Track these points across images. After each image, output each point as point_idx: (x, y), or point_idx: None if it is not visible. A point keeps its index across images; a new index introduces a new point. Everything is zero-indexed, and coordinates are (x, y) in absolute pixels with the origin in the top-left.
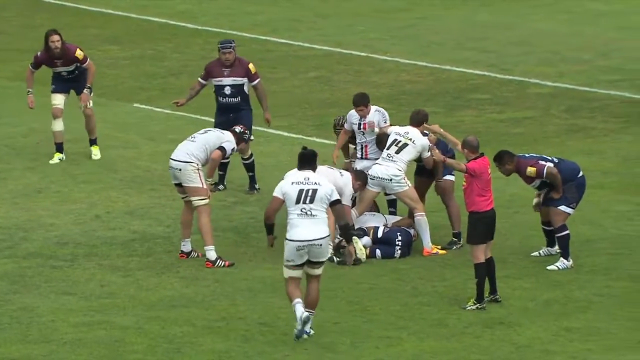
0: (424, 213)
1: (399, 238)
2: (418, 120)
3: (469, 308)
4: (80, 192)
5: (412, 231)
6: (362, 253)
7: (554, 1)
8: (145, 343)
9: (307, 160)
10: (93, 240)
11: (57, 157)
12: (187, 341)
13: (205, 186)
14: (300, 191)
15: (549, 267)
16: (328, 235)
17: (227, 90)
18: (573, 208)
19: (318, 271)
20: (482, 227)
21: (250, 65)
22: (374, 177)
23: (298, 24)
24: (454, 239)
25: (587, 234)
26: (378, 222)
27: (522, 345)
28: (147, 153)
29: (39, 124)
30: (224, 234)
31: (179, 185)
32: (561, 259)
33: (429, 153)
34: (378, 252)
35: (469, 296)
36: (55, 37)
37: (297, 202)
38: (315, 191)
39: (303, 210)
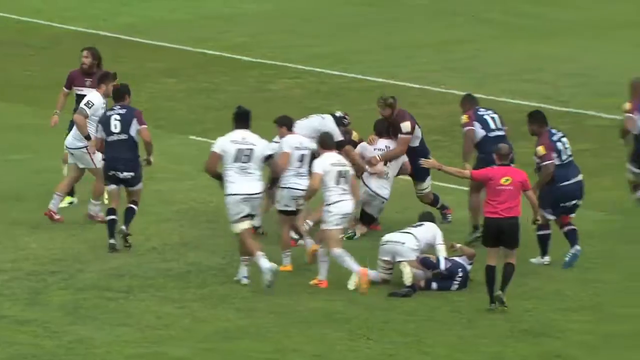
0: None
1: (460, 274)
2: (331, 144)
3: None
4: (136, 224)
5: (469, 266)
6: (408, 278)
7: (613, 33)
8: None
9: (243, 119)
10: (149, 272)
11: (66, 201)
12: None
13: None
14: (239, 150)
15: (531, 259)
16: (264, 191)
17: None
18: (549, 214)
19: (255, 222)
20: (487, 232)
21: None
22: (345, 214)
23: (353, 57)
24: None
25: None
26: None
27: None
28: (203, 185)
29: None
30: (279, 265)
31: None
32: (542, 255)
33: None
34: (434, 284)
35: (525, 328)
36: (85, 53)
37: (236, 160)
38: (251, 150)
39: (241, 168)
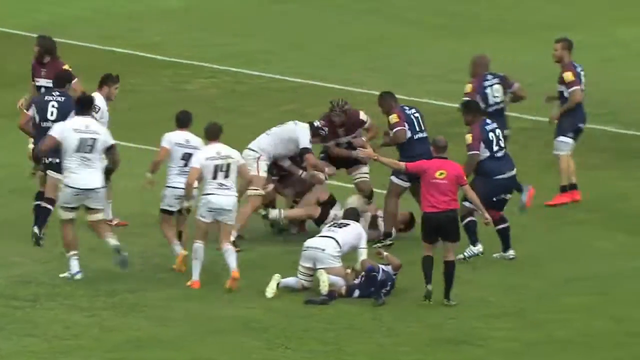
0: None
1: (388, 288)
2: (215, 133)
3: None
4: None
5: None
6: (324, 287)
7: (534, 34)
8: None
9: (86, 106)
10: (56, 280)
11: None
12: None
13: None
14: (82, 140)
15: (458, 256)
16: (105, 186)
17: None
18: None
19: (99, 216)
20: (426, 227)
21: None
22: (213, 209)
23: (271, 56)
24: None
25: (568, 273)
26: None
27: None
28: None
29: (7, 159)
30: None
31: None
32: (470, 247)
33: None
34: (356, 292)
35: (446, 336)
36: (35, 48)
37: (78, 150)
38: (95, 140)
39: (83, 158)
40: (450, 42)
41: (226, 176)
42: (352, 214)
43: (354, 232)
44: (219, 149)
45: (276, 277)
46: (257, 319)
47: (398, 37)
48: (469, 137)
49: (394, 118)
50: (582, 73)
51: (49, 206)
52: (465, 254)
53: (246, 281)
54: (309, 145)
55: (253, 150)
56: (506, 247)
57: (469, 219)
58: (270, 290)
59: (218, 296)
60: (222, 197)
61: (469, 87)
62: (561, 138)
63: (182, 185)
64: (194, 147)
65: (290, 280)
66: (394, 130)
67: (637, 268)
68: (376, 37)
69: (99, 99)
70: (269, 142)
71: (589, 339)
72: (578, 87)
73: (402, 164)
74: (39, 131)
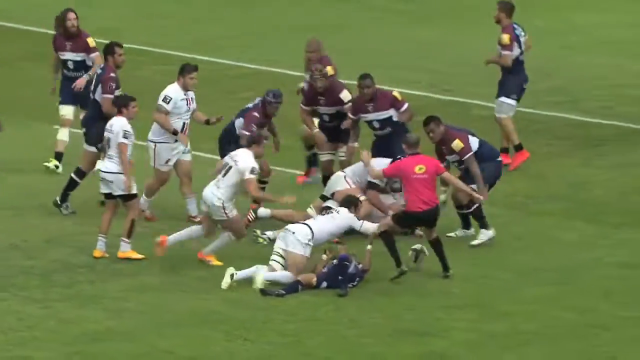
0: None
1: (356, 282)
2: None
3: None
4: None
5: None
6: (256, 285)
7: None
8: None
9: None
10: (9, 270)
11: (52, 163)
12: None
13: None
14: None
15: (472, 243)
16: None
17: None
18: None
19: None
20: (407, 220)
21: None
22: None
23: (227, 42)
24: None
25: (533, 263)
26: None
27: None
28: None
29: None
30: (153, 261)
31: None
32: (481, 230)
33: (252, 175)
34: (324, 284)
35: (409, 327)
36: (72, 15)
37: None
38: None
39: None
40: (414, 29)
41: (224, 175)
42: (346, 201)
43: (338, 221)
44: (238, 153)
45: (230, 270)
46: (216, 310)
47: (361, 24)
48: (459, 143)
49: (400, 96)
50: (522, 35)
51: (77, 179)
52: (482, 238)
53: (205, 272)
54: (375, 181)
55: (342, 171)
56: (469, 227)
57: (475, 206)
58: (225, 284)
59: (176, 287)
60: (207, 189)
61: (332, 69)
62: (504, 99)
63: (104, 169)
64: (110, 131)
65: (247, 272)
66: (405, 107)
67: (599, 258)
68: (340, 24)
69: (173, 90)
70: (353, 170)
71: (552, 331)
72: (509, 53)
73: (380, 171)
74: None
